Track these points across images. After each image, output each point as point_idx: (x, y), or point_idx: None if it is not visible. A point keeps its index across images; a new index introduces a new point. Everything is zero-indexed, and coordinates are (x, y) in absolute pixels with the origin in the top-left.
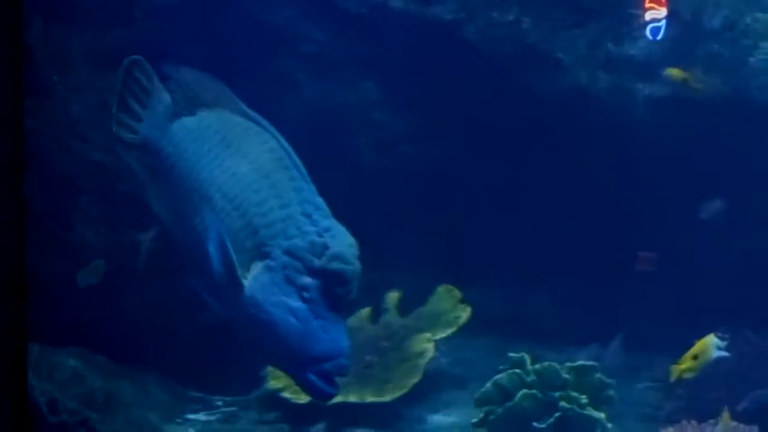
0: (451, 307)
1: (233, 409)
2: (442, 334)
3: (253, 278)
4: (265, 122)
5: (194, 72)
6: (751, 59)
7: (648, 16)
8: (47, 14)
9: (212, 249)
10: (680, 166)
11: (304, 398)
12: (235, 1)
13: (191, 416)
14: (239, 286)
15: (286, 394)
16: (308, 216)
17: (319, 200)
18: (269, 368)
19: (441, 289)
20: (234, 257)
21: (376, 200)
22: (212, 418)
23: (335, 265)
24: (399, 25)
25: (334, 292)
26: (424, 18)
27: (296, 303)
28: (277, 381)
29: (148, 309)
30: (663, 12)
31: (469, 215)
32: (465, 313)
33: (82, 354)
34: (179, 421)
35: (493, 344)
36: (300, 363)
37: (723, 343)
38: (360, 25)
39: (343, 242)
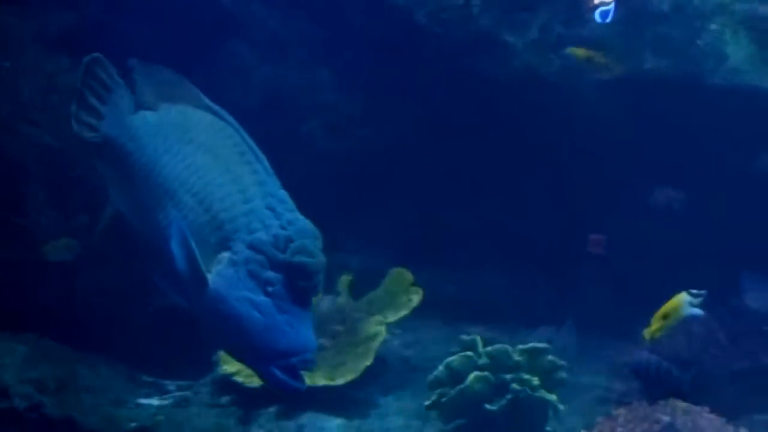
0: (403, 290)
1: (185, 393)
2: (394, 317)
3: (216, 273)
4: (229, 117)
5: (156, 67)
6: (700, 41)
7: None
8: None
9: (174, 245)
10: (631, 148)
11: (256, 382)
12: None
13: (144, 401)
14: (203, 282)
15: (238, 378)
16: (272, 209)
17: (283, 193)
18: (221, 352)
19: (393, 272)
20: (197, 253)
21: (328, 183)
22: (165, 402)
23: (299, 259)
24: (350, 8)
25: (299, 286)
26: (376, 1)
27: (260, 297)
28: (229, 365)
29: (101, 294)
30: None
31: (422, 197)
32: (417, 296)
33: (35, 339)
34: (132, 405)
35: (445, 327)
36: (265, 358)
37: (696, 301)
38: (311, 7)
39: (307, 235)
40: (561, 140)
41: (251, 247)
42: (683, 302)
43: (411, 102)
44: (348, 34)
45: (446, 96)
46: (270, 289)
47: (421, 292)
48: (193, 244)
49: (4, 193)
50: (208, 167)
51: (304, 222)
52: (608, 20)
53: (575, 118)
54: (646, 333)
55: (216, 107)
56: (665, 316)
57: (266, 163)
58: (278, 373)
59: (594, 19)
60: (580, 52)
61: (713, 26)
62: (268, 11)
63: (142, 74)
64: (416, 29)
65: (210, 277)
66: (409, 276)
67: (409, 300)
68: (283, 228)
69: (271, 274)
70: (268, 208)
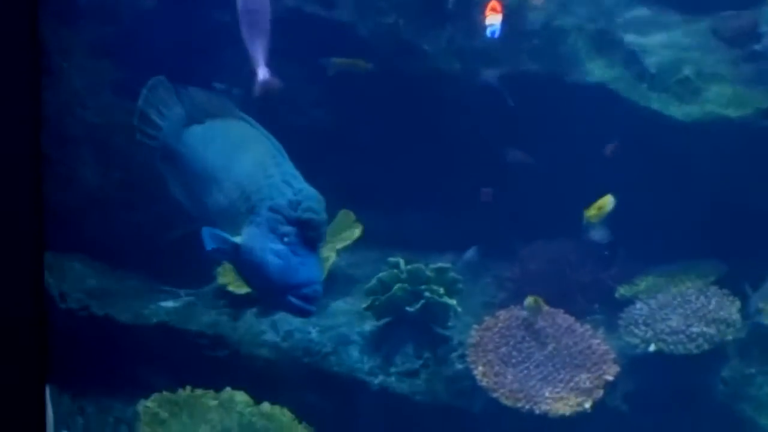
0: (348, 226)
1: (192, 298)
2: (341, 245)
3: (245, 233)
4: (255, 123)
5: (202, 90)
6: (561, 49)
7: (488, 21)
8: (56, 16)
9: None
10: (510, 126)
11: (244, 290)
12: (192, 4)
13: (162, 304)
14: (236, 245)
15: (230, 288)
16: (287, 182)
17: (296, 172)
18: (219, 268)
19: (341, 213)
20: (228, 237)
21: (293, 150)
22: (177, 305)
23: (307, 215)
24: (310, 24)
25: (308, 236)
26: (329, 19)
27: (279, 246)
28: (224, 278)
29: (133, 227)
30: (499, 18)
31: (362, 159)
32: (358, 230)
33: (84, 259)
34: (153, 307)
35: (378, 252)
36: (284, 290)
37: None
38: (282, 24)
39: (313, 199)
40: (461, 120)
41: (272, 209)
42: (609, 201)
43: (353, 91)
44: (308, 42)
45: (379, 87)
46: (286, 239)
47: (361, 227)
48: (222, 233)
49: (62, 157)
50: (241, 159)
51: (310, 189)
52: (496, 36)
53: (471, 105)
54: (586, 215)
55: (246, 117)
56: (599, 208)
57: (283, 152)
58: (295, 300)
59: (486, 34)
60: (340, 61)
61: (570, 39)
62: None
63: (190, 95)
64: (359, 40)
65: (241, 238)
66: (352, 216)
67: (353, 233)
68: (295, 194)
69: (287, 228)
70: (283, 182)
